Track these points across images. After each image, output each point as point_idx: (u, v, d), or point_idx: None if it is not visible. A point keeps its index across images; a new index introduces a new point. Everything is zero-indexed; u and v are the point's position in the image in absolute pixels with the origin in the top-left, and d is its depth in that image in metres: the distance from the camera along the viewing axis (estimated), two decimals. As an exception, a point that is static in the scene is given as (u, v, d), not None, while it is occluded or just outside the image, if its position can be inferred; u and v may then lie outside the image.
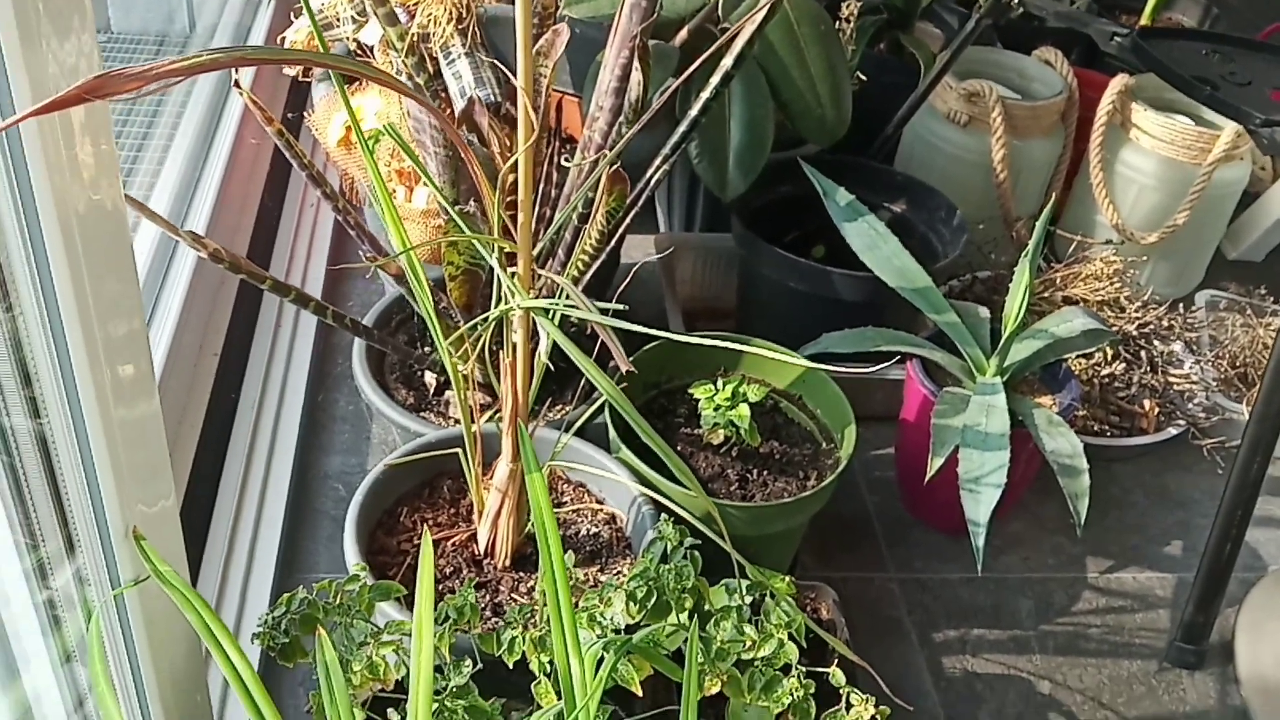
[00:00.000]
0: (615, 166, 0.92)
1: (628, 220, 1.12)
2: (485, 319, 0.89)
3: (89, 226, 0.61)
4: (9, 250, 0.60)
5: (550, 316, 0.85)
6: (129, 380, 0.67)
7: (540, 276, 0.86)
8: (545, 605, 0.92)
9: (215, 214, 1.52)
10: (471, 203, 1.04)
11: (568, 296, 0.79)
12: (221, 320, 1.52)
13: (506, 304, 0.85)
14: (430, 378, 1.31)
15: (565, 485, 1.21)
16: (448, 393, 1.31)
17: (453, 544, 1.12)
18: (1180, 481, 1.58)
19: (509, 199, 1.04)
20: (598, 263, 1.13)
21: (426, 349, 1.32)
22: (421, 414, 1.26)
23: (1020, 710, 1.26)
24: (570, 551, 1.13)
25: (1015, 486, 1.41)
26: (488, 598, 1.07)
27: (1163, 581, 1.44)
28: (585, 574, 1.10)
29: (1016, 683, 1.29)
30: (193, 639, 0.81)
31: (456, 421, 1.26)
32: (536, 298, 0.85)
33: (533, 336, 0.97)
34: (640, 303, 1.71)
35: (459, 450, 1.06)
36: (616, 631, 0.79)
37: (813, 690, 0.81)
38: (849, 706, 0.81)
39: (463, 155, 0.69)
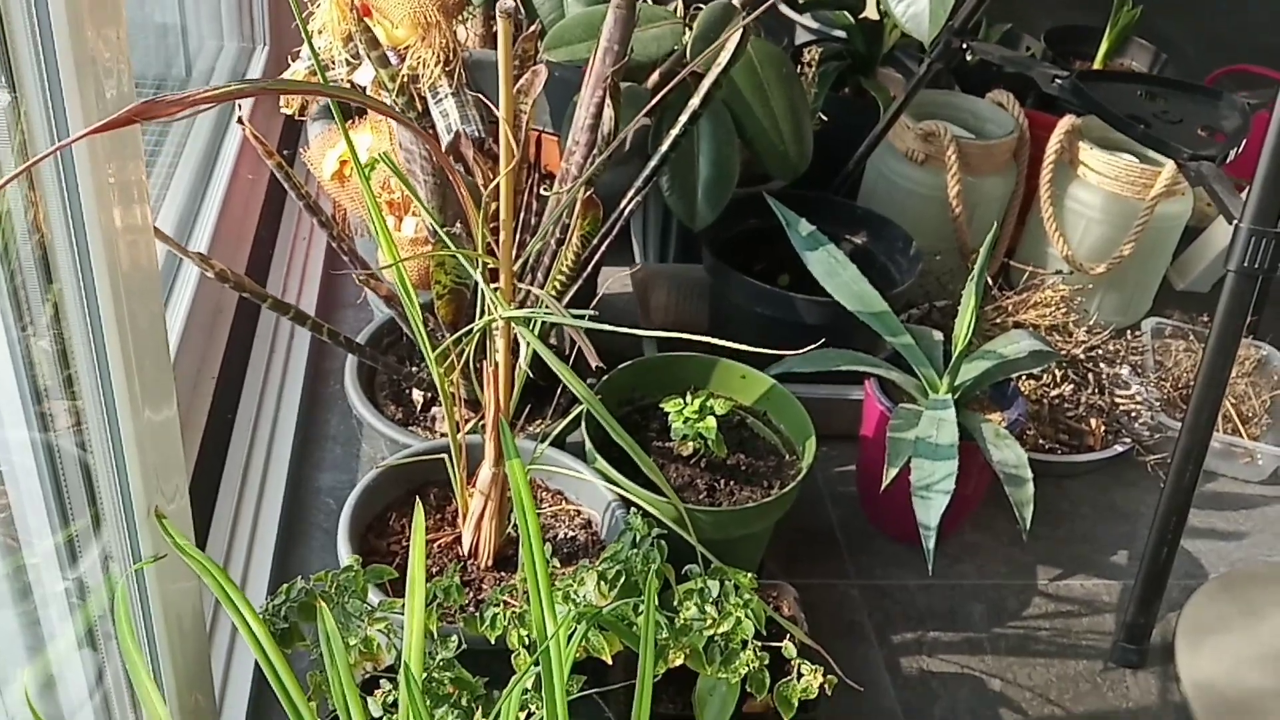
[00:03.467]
0: (590, 193, 1.01)
1: (604, 246, 1.22)
2: (470, 330, 0.98)
3: (126, 248, 0.70)
4: (61, 271, 0.69)
5: (530, 328, 0.94)
6: (154, 384, 0.76)
7: (520, 291, 0.94)
8: (524, 586, 1.00)
9: (213, 246, 1.60)
10: (458, 225, 1.13)
11: (545, 309, 0.88)
12: (219, 345, 1.61)
13: (490, 316, 0.94)
14: (418, 395, 1.39)
15: (544, 492, 1.29)
16: (434, 409, 1.39)
17: (438, 546, 1.20)
18: (1126, 496, 1.67)
19: (492, 224, 1.13)
20: (575, 286, 1.22)
21: (414, 368, 1.41)
22: (409, 428, 1.35)
23: (973, 706, 1.35)
24: (548, 555, 1.21)
25: (968, 500, 1.51)
26: (471, 595, 1.15)
27: (1109, 588, 1.52)
28: (563, 573, 1.18)
29: (970, 680, 1.38)
30: (199, 614, 0.89)
31: (443, 435, 1.35)
32: (517, 310, 0.94)
33: (514, 350, 1.06)
34: (615, 334, 1.82)
35: (445, 457, 1.14)
36: (590, 606, 0.87)
37: (767, 662, 0.89)
38: (799, 676, 0.89)
39: (451, 179, 0.78)
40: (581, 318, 0.84)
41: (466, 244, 1.10)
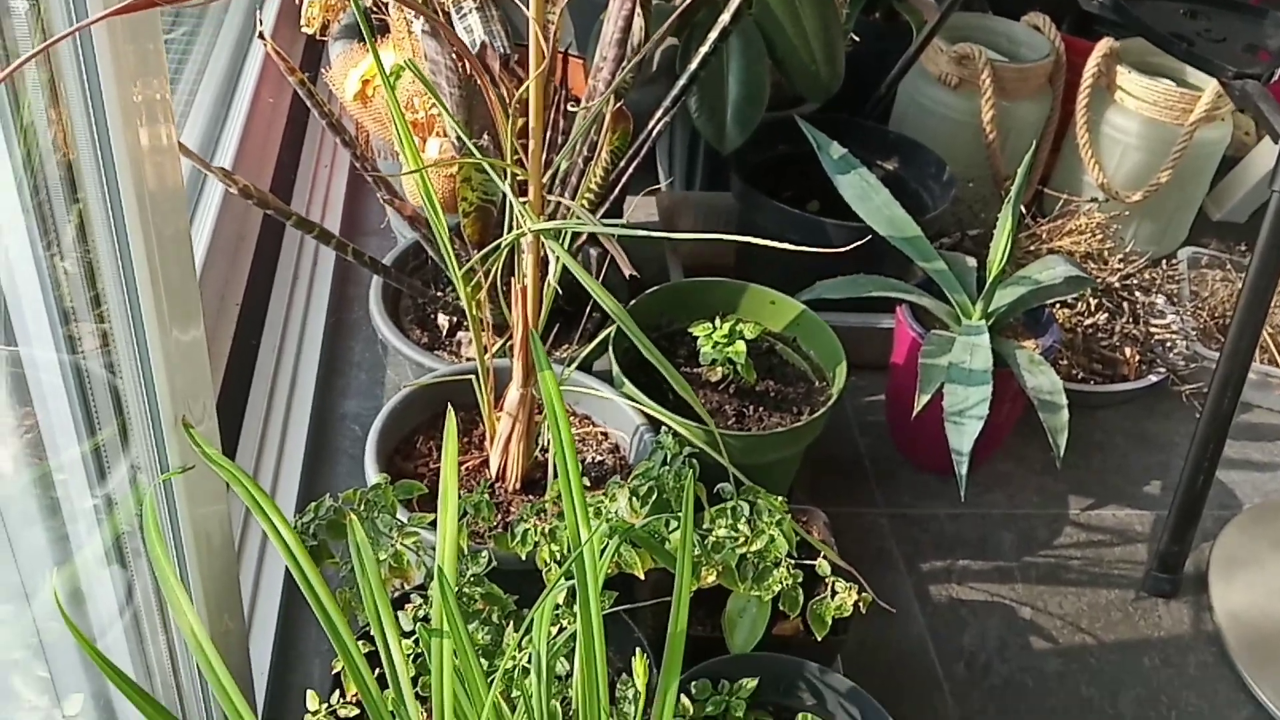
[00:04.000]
0: (619, 105, 0.98)
1: (633, 164, 1.19)
2: (499, 245, 0.96)
3: (152, 167, 0.68)
4: (88, 191, 0.68)
5: (560, 241, 0.91)
6: (181, 304, 0.74)
7: (549, 204, 0.92)
8: (555, 508, 0.99)
9: (236, 170, 1.58)
10: (485, 136, 1.10)
11: (576, 220, 0.86)
12: (242, 272, 1.59)
13: (519, 229, 0.92)
14: (443, 319, 1.38)
15: (571, 417, 1.28)
16: (460, 334, 1.38)
17: (466, 469, 1.19)
18: (1160, 426, 1.64)
19: (519, 140, 1.11)
20: (605, 204, 1.20)
21: (440, 292, 1.39)
22: (435, 353, 1.33)
23: (1003, 634, 1.34)
24: (576, 477, 1.20)
25: (999, 428, 1.49)
26: (500, 518, 1.14)
27: (1141, 518, 1.51)
28: (590, 497, 1.17)
29: (999, 608, 1.36)
30: (227, 532, 0.88)
31: (469, 360, 1.33)
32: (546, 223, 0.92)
33: (543, 269, 1.04)
34: (643, 260, 1.79)
35: (472, 379, 1.12)
36: (622, 523, 0.86)
37: (800, 579, 0.88)
38: (834, 593, 0.88)
39: (480, 85, 0.75)
40: (612, 228, 0.82)
41: (493, 158, 1.07)
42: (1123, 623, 1.37)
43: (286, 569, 1.22)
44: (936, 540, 1.44)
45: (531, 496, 1.17)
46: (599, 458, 1.23)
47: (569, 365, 1.21)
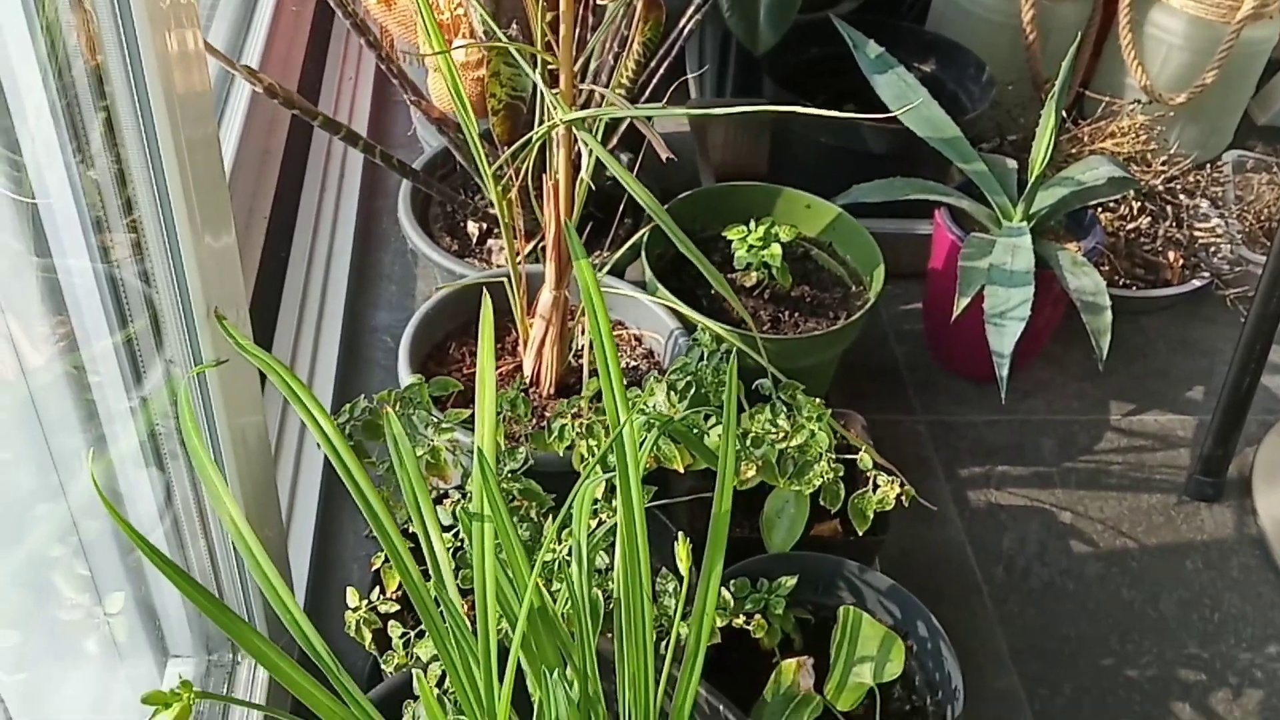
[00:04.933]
0: (651, -7, 0.95)
1: (666, 59, 1.16)
2: (530, 139, 0.93)
3: (179, 69, 0.67)
4: (117, 96, 0.66)
5: (593, 133, 0.89)
6: (212, 209, 0.73)
7: (581, 94, 0.90)
8: (590, 407, 0.98)
9: (266, 57, 1.56)
10: (513, 26, 1.07)
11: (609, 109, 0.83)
12: (269, 184, 1.57)
13: (551, 121, 0.89)
14: (473, 227, 1.36)
15: (605, 323, 1.26)
16: (490, 241, 1.36)
17: (500, 375, 1.18)
18: (1203, 332, 1.61)
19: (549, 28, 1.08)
20: (637, 102, 1.17)
21: (469, 198, 1.37)
22: (465, 260, 1.32)
23: (1043, 538, 1.32)
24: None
25: (1040, 332, 1.46)
26: (535, 422, 1.13)
27: (1184, 423, 1.48)
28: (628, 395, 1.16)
29: (1039, 513, 1.35)
30: (263, 433, 0.88)
31: (499, 267, 1.32)
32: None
33: (575, 164, 1.01)
34: (674, 169, 1.76)
35: (505, 283, 1.11)
36: (661, 416, 0.84)
37: (841, 474, 0.87)
38: (875, 487, 0.87)
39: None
40: (646, 119, 0.79)
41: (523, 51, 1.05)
42: (1164, 526, 1.35)
43: (323, 474, 1.22)
44: (974, 447, 1.42)
45: (564, 401, 1.15)
46: (633, 363, 1.21)
47: (601, 269, 1.19)
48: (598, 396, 0.99)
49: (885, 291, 1.29)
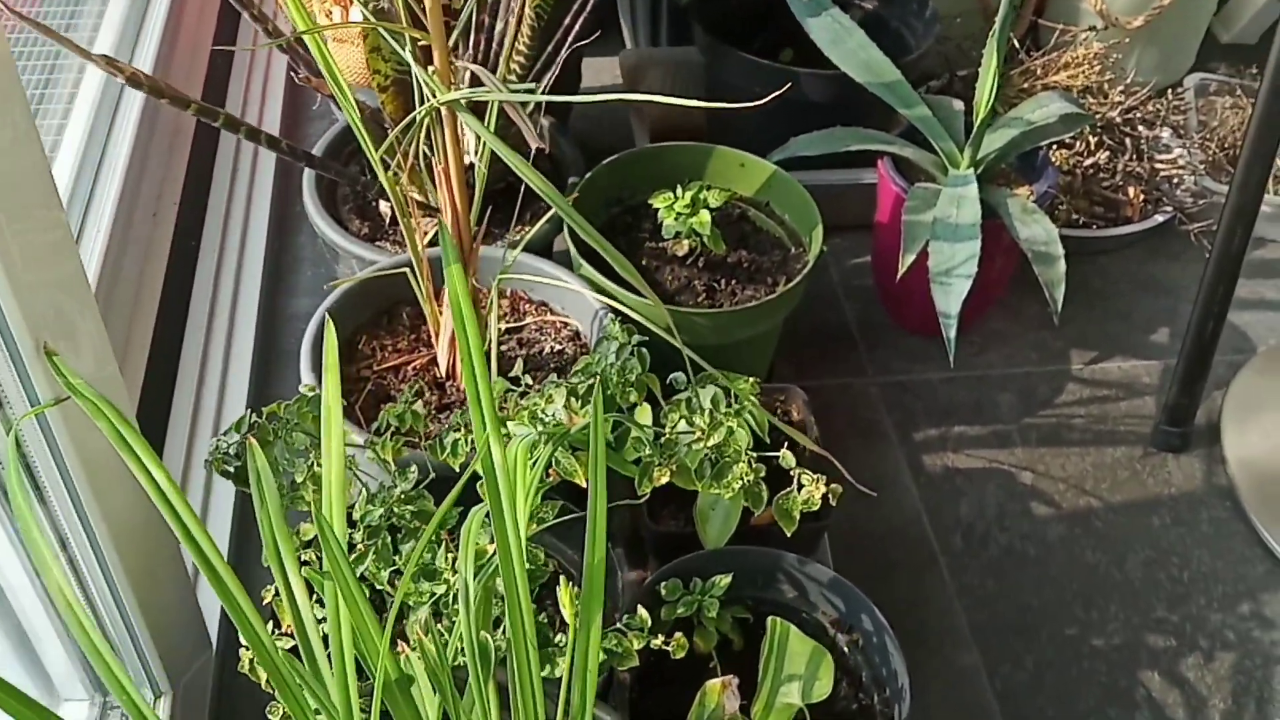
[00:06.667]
0: (537, -48, 0.86)
1: (578, 21, 1.07)
2: (412, 121, 0.85)
3: None
4: None
5: (489, 113, 0.81)
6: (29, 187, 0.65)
7: (461, 72, 0.81)
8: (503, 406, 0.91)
9: (163, 55, 1.46)
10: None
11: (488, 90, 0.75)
12: (178, 168, 1.49)
13: (429, 103, 0.81)
14: (385, 207, 1.28)
15: (527, 305, 1.18)
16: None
17: (413, 368, 1.10)
18: (1167, 270, 1.54)
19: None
20: (548, 70, 1.08)
21: (375, 177, 1.28)
22: (377, 243, 1.24)
23: (1001, 501, 1.26)
24: (533, 369, 1.11)
25: (994, 283, 1.39)
26: (449, 418, 1.06)
27: (1148, 369, 1.42)
28: (527, 400, 1.09)
29: (997, 475, 1.29)
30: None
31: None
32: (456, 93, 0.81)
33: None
34: (607, 125, 1.67)
35: (407, 271, 1.03)
36: (558, 425, 0.77)
37: (763, 474, 0.80)
38: (800, 487, 0.80)
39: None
40: (529, 94, 0.71)
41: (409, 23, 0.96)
42: (1130, 481, 1.29)
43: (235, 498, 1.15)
44: (929, 407, 1.36)
45: (460, 411, 1.08)
46: (558, 346, 1.14)
47: (515, 248, 1.11)
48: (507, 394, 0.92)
49: (834, 246, 1.22)
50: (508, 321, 1.16)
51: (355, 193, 1.29)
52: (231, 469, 0.89)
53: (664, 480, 0.79)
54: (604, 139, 1.64)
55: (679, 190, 1.20)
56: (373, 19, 0.81)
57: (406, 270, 1.02)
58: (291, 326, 1.39)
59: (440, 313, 1.05)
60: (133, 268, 1.32)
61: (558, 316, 1.17)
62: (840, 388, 1.37)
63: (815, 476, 0.80)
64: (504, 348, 1.13)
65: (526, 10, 0.93)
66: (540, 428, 0.74)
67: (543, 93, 1.21)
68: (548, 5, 0.93)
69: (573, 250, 1.18)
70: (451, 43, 0.80)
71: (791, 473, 0.81)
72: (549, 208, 1.29)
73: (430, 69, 0.82)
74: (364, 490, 0.86)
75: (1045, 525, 1.24)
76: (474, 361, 0.61)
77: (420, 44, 0.80)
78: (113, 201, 1.28)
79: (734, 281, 1.22)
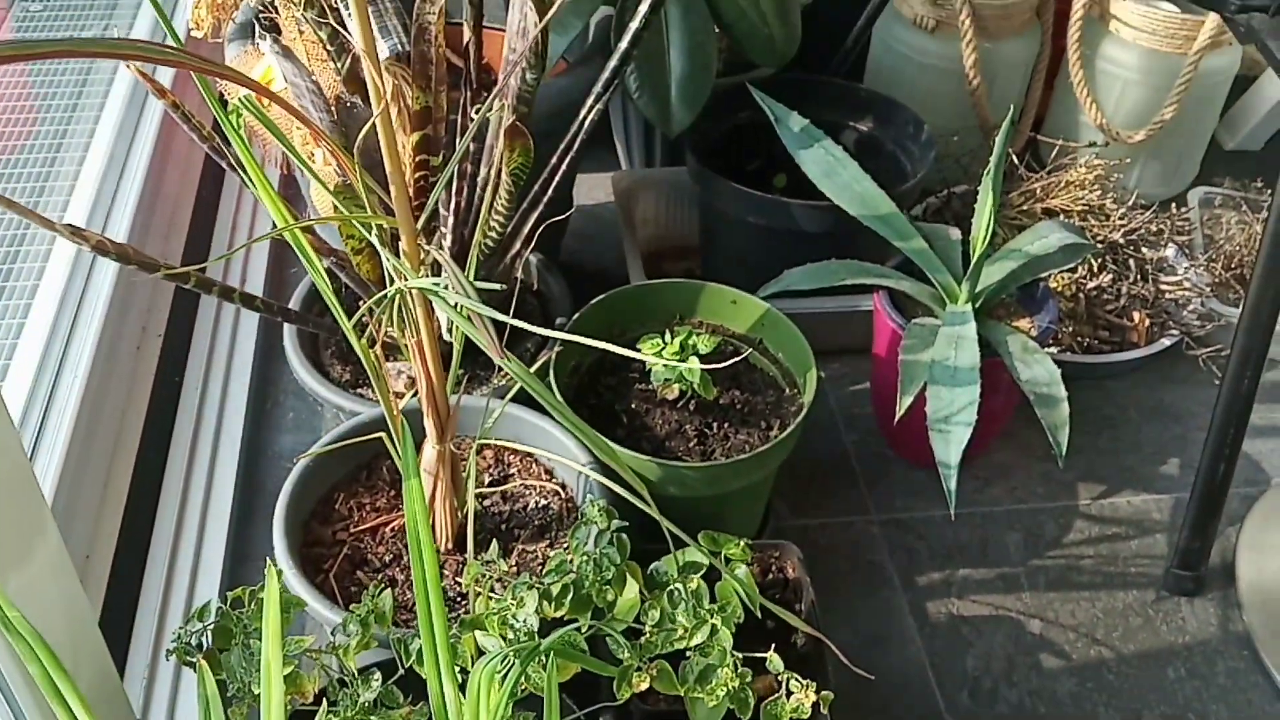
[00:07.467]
0: (513, 120, 0.84)
1: (550, 184, 1.05)
2: (382, 299, 0.82)
3: None
4: None
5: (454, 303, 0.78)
6: None
7: (427, 253, 0.78)
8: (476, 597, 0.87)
9: (141, 215, 1.44)
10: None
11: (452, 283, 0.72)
12: (164, 301, 1.47)
13: (395, 286, 0.78)
14: (368, 350, 1.24)
15: (512, 457, 1.15)
16: (390, 364, 1.24)
17: (391, 529, 1.06)
18: (1175, 395, 1.50)
19: (418, 162, 0.97)
20: (525, 229, 1.06)
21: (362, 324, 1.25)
22: (357, 390, 1.20)
23: (1010, 653, 1.21)
24: (518, 528, 1.07)
25: (997, 416, 1.35)
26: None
27: (1159, 504, 1.37)
28: (535, 550, 1.05)
29: (1005, 623, 1.24)
30: (101, 657, 0.76)
31: (399, 395, 1.20)
32: (426, 275, 0.78)
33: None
34: (599, 246, 1.65)
35: (383, 435, 0.99)
36: (530, 635, 0.73)
37: (749, 680, 0.75)
38: (789, 694, 0.75)
39: (336, 122, 0.61)
40: (491, 293, 0.68)
41: (381, 190, 0.93)
42: (1143, 629, 1.24)
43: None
44: (934, 548, 1.31)
45: (464, 556, 1.04)
46: (543, 501, 1.10)
47: (490, 401, 1.08)
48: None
49: (832, 374, 1.18)
50: (490, 475, 1.12)
51: (337, 340, 1.26)
52: (194, 660, 0.84)
53: (643, 686, 0.75)
54: (595, 259, 1.62)
55: (668, 335, 1.17)
56: (339, 204, 0.78)
57: (383, 435, 0.99)
58: (276, 465, 1.35)
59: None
60: (116, 401, 1.29)
61: (544, 469, 1.13)
62: (840, 526, 1.33)
63: (805, 683, 0.75)
64: (486, 503, 1.09)
65: (504, 176, 0.90)
66: (510, 636, 0.70)
67: (531, 227, 1.19)
68: (528, 165, 0.90)
69: (557, 398, 1.14)
70: (428, 211, 0.77)
71: (780, 677, 0.77)
72: (534, 351, 1.26)
73: (400, 247, 0.79)
74: (331, 683, 0.81)
75: (1055, 679, 1.19)
76: (430, 597, 0.57)
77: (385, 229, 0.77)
78: (94, 333, 1.26)
79: (727, 425, 1.18)
